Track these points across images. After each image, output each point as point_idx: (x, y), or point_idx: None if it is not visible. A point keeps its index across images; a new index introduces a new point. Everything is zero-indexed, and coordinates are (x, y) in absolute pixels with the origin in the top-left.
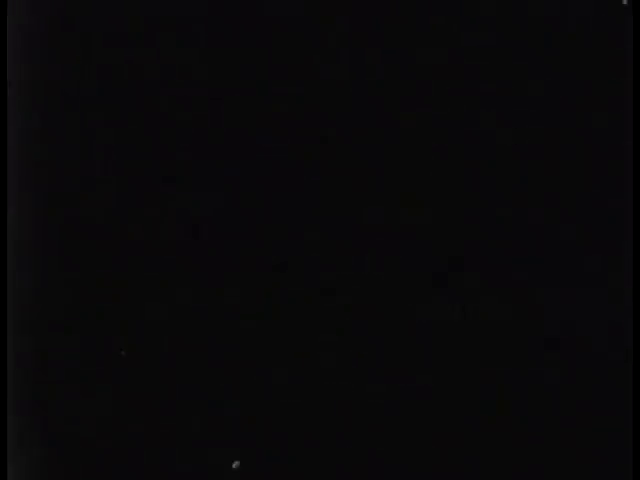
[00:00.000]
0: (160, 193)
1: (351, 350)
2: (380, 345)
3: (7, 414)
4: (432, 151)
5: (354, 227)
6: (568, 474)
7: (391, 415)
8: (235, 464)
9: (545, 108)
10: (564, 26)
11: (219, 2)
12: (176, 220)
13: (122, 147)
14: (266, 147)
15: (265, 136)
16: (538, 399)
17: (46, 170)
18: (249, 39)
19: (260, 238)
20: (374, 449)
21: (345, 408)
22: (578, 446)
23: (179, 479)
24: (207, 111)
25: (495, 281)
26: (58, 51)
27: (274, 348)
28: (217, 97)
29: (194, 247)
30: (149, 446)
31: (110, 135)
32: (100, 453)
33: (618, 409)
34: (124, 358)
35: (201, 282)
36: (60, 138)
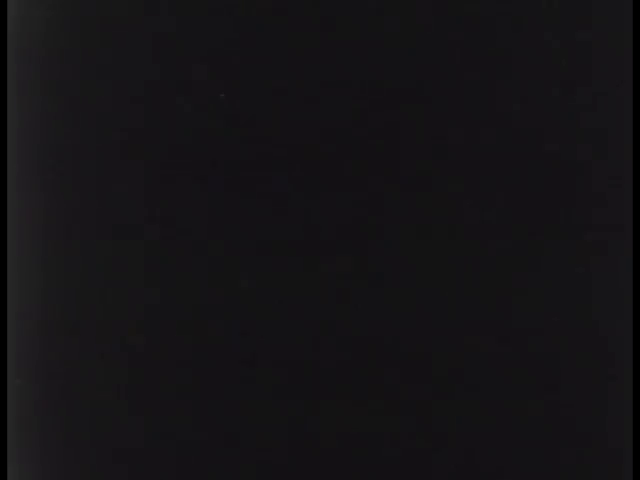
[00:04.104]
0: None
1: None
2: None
3: (7, 416)
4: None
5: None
6: (568, 474)
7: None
8: None
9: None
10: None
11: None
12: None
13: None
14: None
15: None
16: (537, 399)
17: (47, 171)
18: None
19: (261, 238)
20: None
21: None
22: (578, 446)
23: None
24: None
25: (493, 280)
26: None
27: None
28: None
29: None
30: (151, 445)
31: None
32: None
33: (618, 409)
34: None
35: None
36: (59, 139)
